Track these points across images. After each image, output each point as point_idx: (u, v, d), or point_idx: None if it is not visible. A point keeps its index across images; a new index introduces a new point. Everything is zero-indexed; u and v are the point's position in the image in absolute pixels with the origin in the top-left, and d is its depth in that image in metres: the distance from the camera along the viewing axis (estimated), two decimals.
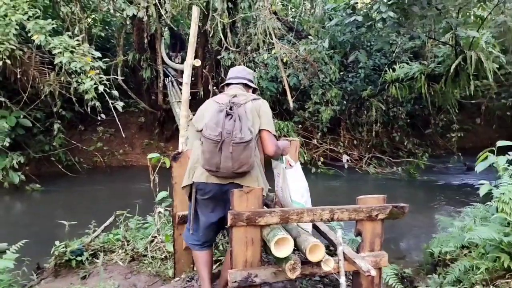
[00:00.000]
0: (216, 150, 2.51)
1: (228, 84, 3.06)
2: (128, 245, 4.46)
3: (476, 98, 12.67)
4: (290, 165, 2.95)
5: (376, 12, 7.40)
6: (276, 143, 2.75)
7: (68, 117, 10.78)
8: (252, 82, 3.11)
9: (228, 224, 2.24)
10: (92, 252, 4.34)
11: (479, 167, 4.00)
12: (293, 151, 3.40)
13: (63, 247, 4.27)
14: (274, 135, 2.76)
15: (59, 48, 6.86)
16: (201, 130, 2.66)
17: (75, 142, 10.94)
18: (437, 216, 7.25)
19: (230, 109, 2.64)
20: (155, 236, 4.47)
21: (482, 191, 3.81)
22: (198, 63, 3.63)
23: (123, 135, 10.24)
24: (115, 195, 9.03)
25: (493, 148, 4.29)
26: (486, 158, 4.15)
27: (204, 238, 2.88)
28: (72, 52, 6.98)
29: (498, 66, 9.07)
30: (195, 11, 3.29)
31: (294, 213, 2.21)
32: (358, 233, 2.41)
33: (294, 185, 2.82)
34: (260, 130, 2.72)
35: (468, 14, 8.73)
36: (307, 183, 2.93)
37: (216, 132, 2.53)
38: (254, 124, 2.68)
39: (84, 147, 11.24)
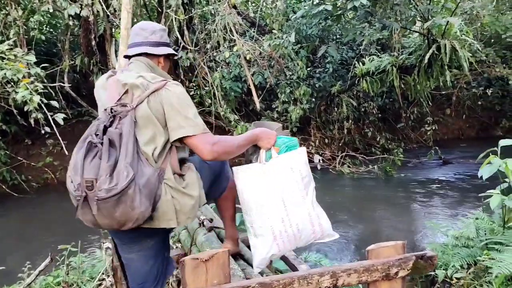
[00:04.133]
0: (82, 208, 1.69)
1: (130, 57, 2.07)
2: None
3: (446, 89, 12.42)
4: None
5: (346, 0, 6.77)
6: (214, 140, 1.82)
7: (12, 131, 9.68)
8: (163, 45, 2.05)
9: None
10: None
11: (485, 173, 3.39)
12: None
13: None
14: (205, 133, 1.84)
15: None
16: None
17: (21, 158, 9.80)
18: (424, 220, 6.78)
19: (105, 131, 1.72)
20: (103, 279, 3.71)
21: (493, 204, 3.19)
22: None
23: (70, 152, 9.23)
24: (70, 216, 8.05)
25: (495, 149, 3.72)
26: (489, 162, 3.54)
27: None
28: (2, 58, 6.00)
29: (471, 55, 8.70)
30: None
31: (279, 285, 1.46)
32: None
33: (245, 193, 2.08)
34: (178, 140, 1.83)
35: (438, 1, 8.28)
36: (262, 190, 2.08)
37: (74, 185, 1.68)
38: (156, 137, 1.81)
39: (32, 163, 10.12)
